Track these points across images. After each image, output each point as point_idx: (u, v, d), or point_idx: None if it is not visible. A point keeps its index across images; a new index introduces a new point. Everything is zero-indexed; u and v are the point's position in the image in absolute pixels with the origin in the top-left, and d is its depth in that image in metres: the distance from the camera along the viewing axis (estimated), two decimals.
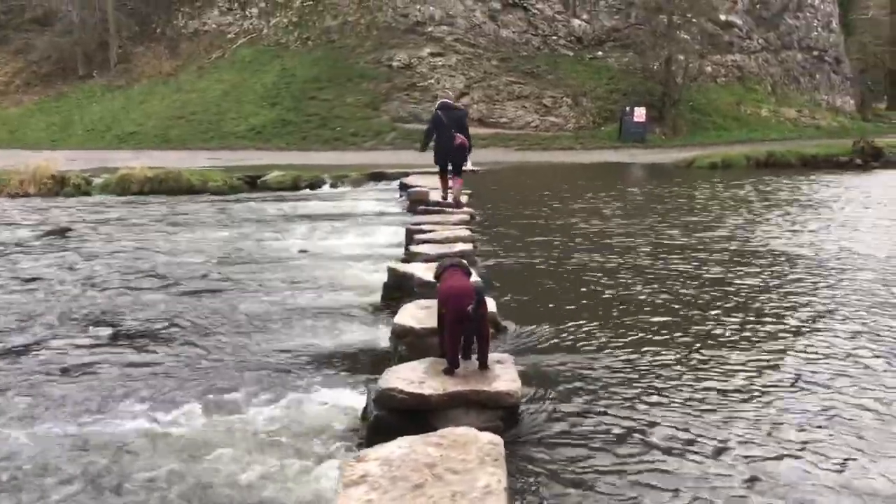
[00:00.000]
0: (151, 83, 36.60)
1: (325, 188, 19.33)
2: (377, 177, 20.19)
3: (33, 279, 9.36)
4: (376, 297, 8.12)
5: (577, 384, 5.42)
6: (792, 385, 5.39)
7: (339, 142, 29.42)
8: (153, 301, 8.33)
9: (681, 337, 6.48)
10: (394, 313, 7.59)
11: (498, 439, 4.05)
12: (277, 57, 34.85)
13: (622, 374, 5.62)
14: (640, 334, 6.55)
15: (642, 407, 5.02)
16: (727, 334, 6.54)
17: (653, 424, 4.75)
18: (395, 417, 4.73)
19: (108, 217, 14.74)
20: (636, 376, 5.58)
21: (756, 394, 5.22)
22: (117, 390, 5.73)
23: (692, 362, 5.84)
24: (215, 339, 7.00)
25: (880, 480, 4.05)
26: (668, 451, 4.39)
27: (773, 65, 34.99)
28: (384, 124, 30.21)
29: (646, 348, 6.17)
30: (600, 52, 32.31)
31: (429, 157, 12.72)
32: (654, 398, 5.15)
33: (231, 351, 6.62)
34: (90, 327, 7.41)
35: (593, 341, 6.38)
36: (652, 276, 8.67)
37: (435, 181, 13.88)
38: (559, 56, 32.14)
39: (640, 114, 27.94)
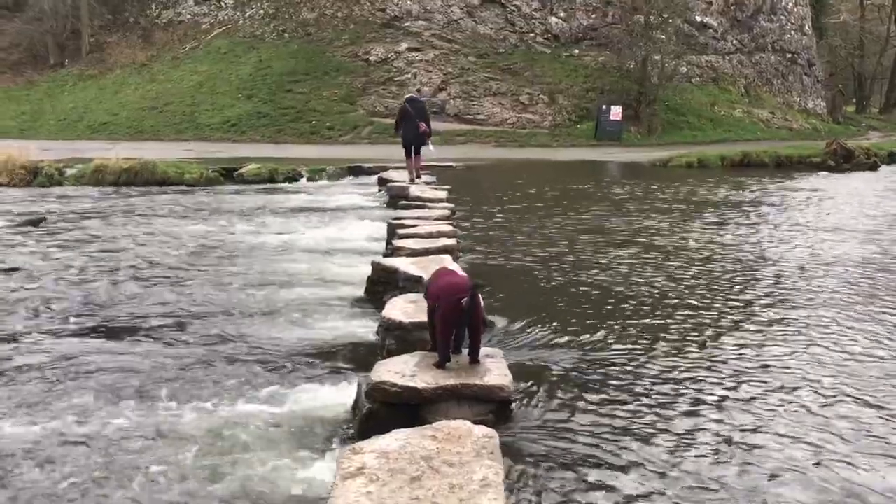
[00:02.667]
0: (125, 73, 36.10)
1: (303, 181, 19.20)
2: (355, 170, 20.08)
3: (8, 270, 9.20)
4: (359, 292, 8.09)
5: (566, 378, 5.46)
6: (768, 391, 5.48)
7: (315, 135, 29.24)
8: (129, 293, 8.23)
9: (669, 330, 6.54)
10: (378, 307, 7.62)
11: (492, 432, 4.06)
12: (253, 49, 34.54)
13: (609, 368, 5.67)
14: (627, 328, 6.61)
15: (629, 399, 5.07)
16: (706, 324, 6.62)
17: (641, 416, 4.80)
18: (387, 410, 4.72)
19: (82, 208, 14.52)
20: (622, 369, 5.63)
21: (735, 375, 5.30)
22: (92, 385, 5.65)
23: (682, 354, 5.91)
24: (195, 332, 6.93)
25: None
26: (658, 445, 4.44)
27: (747, 66, 35.39)
28: (360, 118, 30.10)
29: (633, 341, 6.23)
30: (577, 51, 32.44)
31: None
32: (643, 391, 5.21)
33: (214, 345, 6.57)
34: (64, 319, 7.31)
35: (580, 336, 6.42)
36: (638, 273, 8.73)
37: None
38: (536, 53, 32.22)
39: (616, 112, 28.10)
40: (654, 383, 5.40)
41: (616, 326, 6.72)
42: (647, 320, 6.90)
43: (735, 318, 7.03)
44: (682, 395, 5.20)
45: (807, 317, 7.08)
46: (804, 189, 17.78)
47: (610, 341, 6.32)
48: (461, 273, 5.96)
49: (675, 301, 7.58)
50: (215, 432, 4.85)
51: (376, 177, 18.28)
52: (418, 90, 28.35)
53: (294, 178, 19.34)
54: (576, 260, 9.44)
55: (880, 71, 53.73)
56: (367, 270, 8.16)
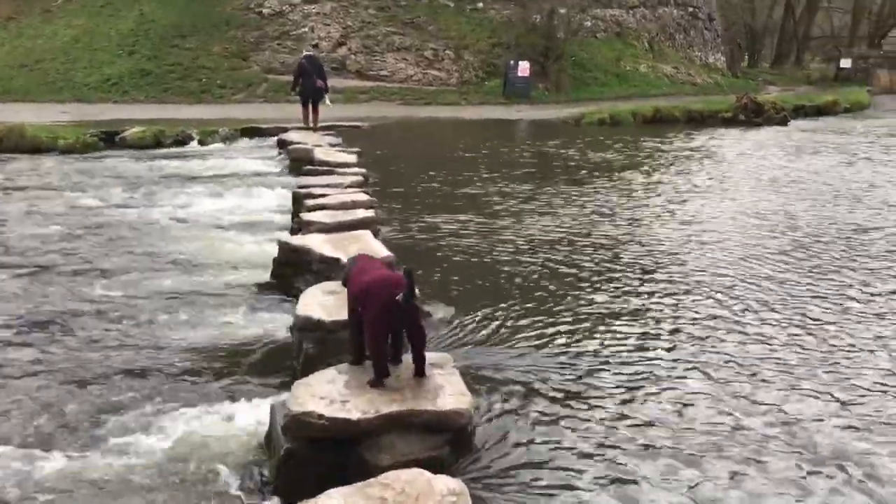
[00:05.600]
0: None
1: (193, 145, 17.41)
2: (251, 132, 18.42)
3: None
4: (265, 275, 6.88)
5: (526, 384, 4.47)
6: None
7: (206, 94, 27.07)
8: None
9: (622, 313, 5.65)
10: (287, 293, 6.45)
11: (461, 486, 3.03)
12: (134, 1, 31.74)
13: (571, 367, 4.72)
14: (580, 315, 5.68)
15: (610, 406, 4.13)
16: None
17: (628, 440, 3.86)
18: (312, 450, 3.63)
19: None
20: (586, 366, 4.69)
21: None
22: None
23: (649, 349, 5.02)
24: (67, 335, 5.59)
25: None
26: (655, 471, 3.51)
27: (651, 21, 35.00)
28: (254, 75, 28.06)
29: (588, 331, 5.31)
30: (481, 4, 31.18)
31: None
32: (623, 393, 4.27)
33: (84, 354, 5.24)
34: None
35: (530, 324, 5.45)
36: (568, 251, 7.83)
37: (316, 138, 15.24)
38: (439, 6, 30.80)
39: (523, 68, 27.08)
40: (630, 382, 4.48)
41: (566, 307, 5.78)
42: (595, 296, 6.00)
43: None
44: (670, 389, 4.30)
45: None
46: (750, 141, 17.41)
47: (563, 328, 5.38)
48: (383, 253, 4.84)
49: (635, 281, 6.70)
50: (74, 481, 3.62)
51: (275, 139, 16.77)
52: (315, 45, 26.88)
53: (183, 141, 17.52)
54: (512, 230, 8.45)
55: (771, 24, 54.83)
56: (273, 250, 6.94)
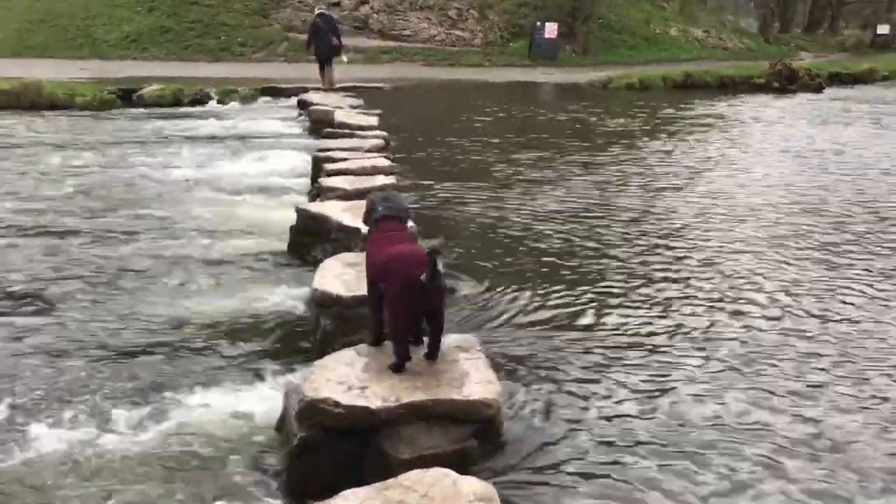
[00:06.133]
0: None
1: (212, 104, 17.13)
2: (271, 92, 18.14)
3: None
4: (281, 244, 6.60)
5: (557, 368, 4.16)
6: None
7: (226, 52, 26.76)
8: None
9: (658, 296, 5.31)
10: (305, 264, 6.18)
11: (490, 490, 2.75)
12: None
13: (602, 348, 4.41)
14: (610, 291, 5.35)
15: (643, 389, 3.82)
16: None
17: (677, 428, 3.55)
18: (327, 439, 3.36)
19: None
20: (620, 348, 4.38)
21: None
22: None
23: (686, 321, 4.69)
24: (70, 305, 5.34)
25: None
26: (709, 471, 3.21)
27: None
28: (275, 33, 27.67)
29: (617, 308, 4.98)
30: None
31: None
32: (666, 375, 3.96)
33: (90, 326, 4.98)
34: None
35: (556, 301, 5.13)
36: (593, 223, 7.48)
37: (336, 99, 14.97)
38: None
39: (551, 29, 26.47)
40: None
41: (591, 282, 5.47)
42: (623, 271, 5.67)
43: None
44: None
45: None
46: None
47: (591, 305, 5.06)
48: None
49: (664, 258, 6.36)
50: (77, 467, 3.39)
51: (295, 99, 16.48)
52: (336, 4, 26.50)
53: (202, 100, 17.25)
54: (537, 200, 8.11)
55: None
56: (291, 216, 6.65)
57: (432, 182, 8.85)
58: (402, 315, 3.52)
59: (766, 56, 29.65)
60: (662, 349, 4.44)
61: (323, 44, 16.61)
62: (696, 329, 4.74)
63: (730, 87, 20.92)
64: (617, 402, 3.80)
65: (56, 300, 5.39)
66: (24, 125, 13.65)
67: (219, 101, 17.29)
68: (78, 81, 18.37)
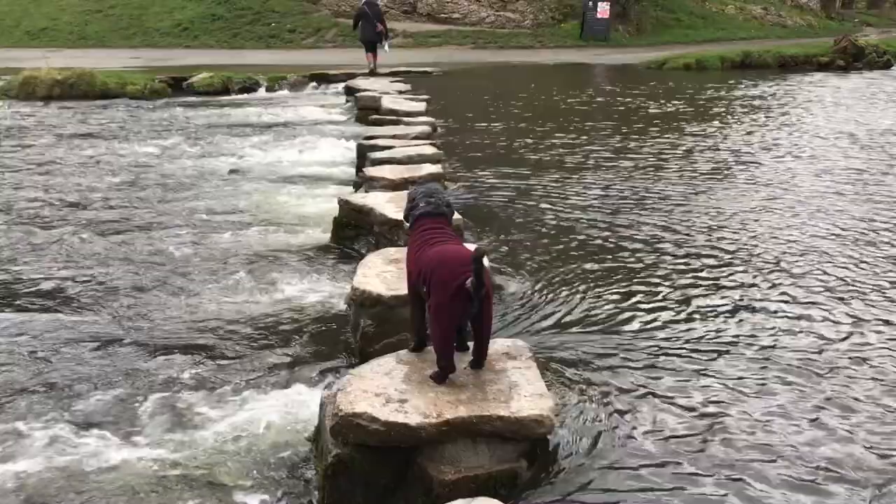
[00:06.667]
0: None
1: (260, 92, 17.07)
2: (319, 79, 17.96)
3: None
4: (324, 236, 6.39)
5: (613, 377, 3.84)
6: None
7: (275, 39, 26.70)
8: (23, 241, 6.46)
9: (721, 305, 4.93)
10: (346, 259, 5.95)
11: None
12: None
13: (659, 355, 4.07)
14: (661, 290, 4.99)
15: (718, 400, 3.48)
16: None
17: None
18: (364, 458, 3.11)
19: (2, 127, 12.44)
20: (680, 354, 4.04)
21: None
22: None
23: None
24: (108, 300, 5.20)
25: None
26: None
27: None
28: (324, 19, 27.52)
29: (672, 309, 4.62)
30: None
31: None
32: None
33: (127, 323, 4.84)
34: None
35: (608, 301, 4.79)
36: (646, 215, 7.08)
37: (384, 85, 14.69)
38: None
39: (603, 9, 25.77)
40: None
41: (643, 280, 5.12)
42: (675, 269, 5.29)
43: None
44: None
45: None
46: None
47: (643, 305, 4.72)
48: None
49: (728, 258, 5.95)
50: (89, 480, 3.21)
51: (343, 86, 16.27)
52: None
53: (251, 88, 17.20)
54: (591, 191, 7.74)
55: None
56: (334, 207, 6.43)
57: (479, 170, 8.55)
58: (446, 325, 3.23)
59: (829, 33, 28.47)
60: (727, 354, 4.08)
61: (368, 30, 17.34)
62: (769, 336, 4.35)
63: (791, 66, 20.03)
64: (682, 421, 3.46)
65: (99, 295, 5.28)
66: (78, 114, 13.71)
67: (268, 89, 17.23)
68: (129, 70, 18.47)
